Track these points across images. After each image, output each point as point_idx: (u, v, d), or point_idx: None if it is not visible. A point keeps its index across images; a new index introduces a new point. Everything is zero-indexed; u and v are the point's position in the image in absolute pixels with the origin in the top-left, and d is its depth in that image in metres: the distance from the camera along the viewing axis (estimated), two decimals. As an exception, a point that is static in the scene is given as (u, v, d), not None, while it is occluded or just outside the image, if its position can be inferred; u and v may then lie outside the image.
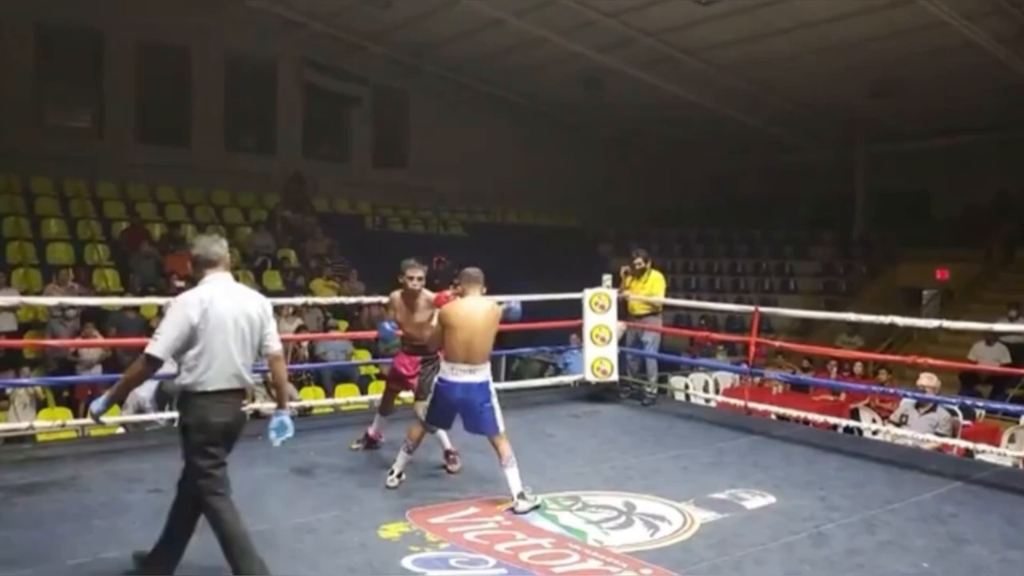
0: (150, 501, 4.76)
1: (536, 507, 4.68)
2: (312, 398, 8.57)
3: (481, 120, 18.32)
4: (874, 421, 8.32)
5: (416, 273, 5.64)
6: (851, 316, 8.09)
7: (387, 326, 5.79)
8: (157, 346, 3.51)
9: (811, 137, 18.77)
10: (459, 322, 4.87)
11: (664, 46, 14.60)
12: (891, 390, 8.82)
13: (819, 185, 20.04)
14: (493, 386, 4.95)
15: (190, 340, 3.53)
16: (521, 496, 4.68)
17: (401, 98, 18.31)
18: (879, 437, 7.46)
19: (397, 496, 4.89)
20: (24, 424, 6.57)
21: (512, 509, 4.65)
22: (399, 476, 5.06)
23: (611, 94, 16.60)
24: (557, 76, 16.32)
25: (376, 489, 5.02)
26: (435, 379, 5.10)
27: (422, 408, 5.25)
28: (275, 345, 3.78)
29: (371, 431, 5.93)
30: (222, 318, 3.56)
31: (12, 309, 9.41)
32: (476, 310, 4.93)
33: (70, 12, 14.02)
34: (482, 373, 4.90)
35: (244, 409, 3.79)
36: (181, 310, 3.55)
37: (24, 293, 10.06)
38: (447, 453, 5.47)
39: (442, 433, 5.36)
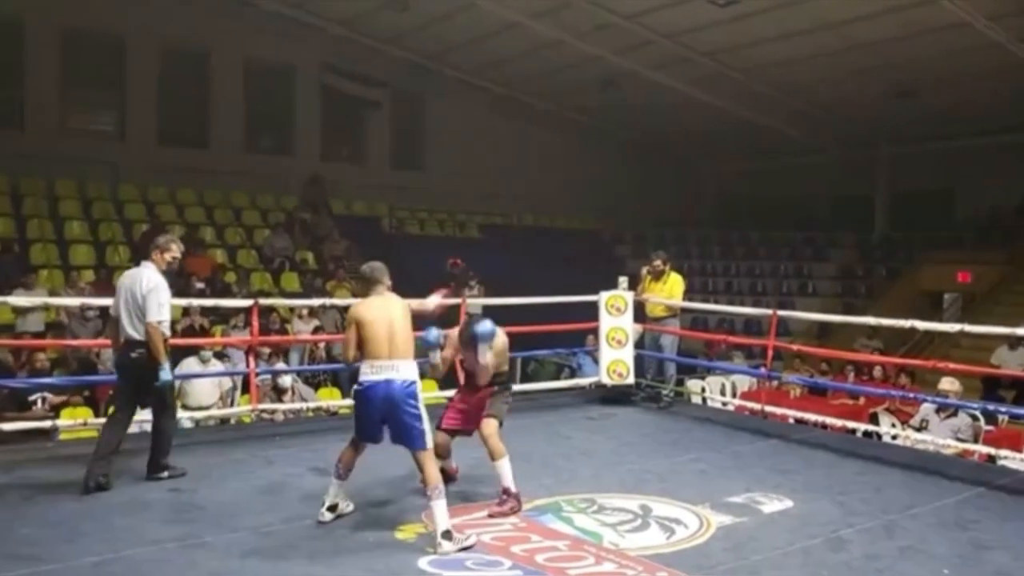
0: (169, 499, 4.82)
1: (467, 547, 4.07)
2: (329, 398, 8.61)
3: (498, 122, 18.35)
4: (893, 426, 8.24)
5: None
6: (871, 320, 8.03)
7: (433, 334, 4.87)
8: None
9: (830, 138, 18.65)
10: (375, 315, 4.41)
11: (682, 48, 14.56)
12: (911, 394, 8.73)
13: (838, 187, 19.93)
14: (420, 390, 4.39)
15: None
16: (446, 536, 4.07)
17: (418, 101, 18.39)
18: (898, 442, 7.40)
19: (414, 497, 4.89)
20: (47, 423, 6.65)
21: (434, 551, 4.05)
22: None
23: (629, 96, 16.57)
24: (574, 78, 16.32)
25: (393, 489, 5.04)
26: (507, 398, 4.96)
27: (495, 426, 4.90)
28: (147, 316, 5.07)
29: (448, 467, 5.13)
30: (119, 292, 5.19)
31: (41, 309, 9.57)
32: (389, 302, 4.49)
33: (94, 18, 14.25)
34: (407, 371, 4.36)
35: (135, 356, 5.11)
36: None
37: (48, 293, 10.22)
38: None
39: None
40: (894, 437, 7.51)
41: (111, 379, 8.71)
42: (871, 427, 7.73)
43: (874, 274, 17.98)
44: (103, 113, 15.66)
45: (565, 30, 14.22)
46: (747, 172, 21.15)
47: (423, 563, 3.98)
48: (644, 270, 8.33)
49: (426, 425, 4.34)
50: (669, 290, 8.09)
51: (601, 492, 5.11)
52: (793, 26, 12.99)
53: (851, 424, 7.39)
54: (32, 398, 7.48)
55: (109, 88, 15.38)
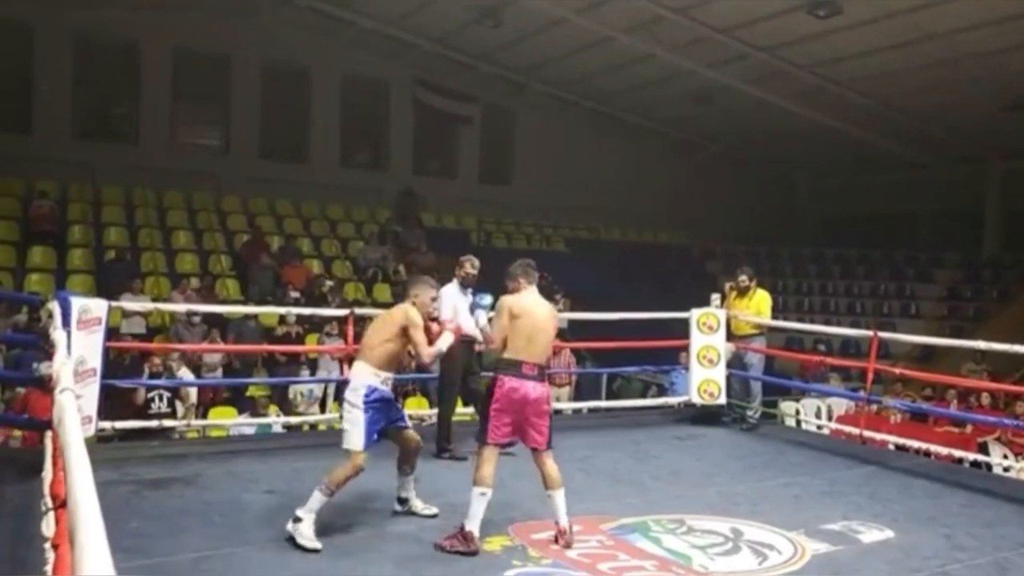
0: (265, 501, 4.97)
1: (304, 547, 4.12)
2: (417, 408, 8.72)
3: (587, 136, 18.35)
4: (1005, 457, 7.80)
5: None
6: (980, 344, 7.58)
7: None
8: None
9: (936, 153, 17.86)
10: None
11: (778, 61, 14.23)
12: (1024, 424, 8.24)
13: (943, 203, 19.04)
14: (357, 395, 4.41)
15: None
16: (297, 519, 4.21)
17: (508, 115, 18.58)
18: (1011, 474, 6.99)
19: (501, 509, 4.89)
20: (154, 423, 6.98)
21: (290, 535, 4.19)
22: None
23: (722, 110, 16.31)
24: (665, 92, 16.18)
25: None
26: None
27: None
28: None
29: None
30: None
31: (145, 314, 10.11)
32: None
33: (203, 38, 15.01)
34: (353, 370, 4.56)
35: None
36: None
37: (154, 299, 10.74)
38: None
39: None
40: (1006, 469, 7.09)
41: (212, 383, 9.24)
42: (980, 457, 7.33)
43: (983, 296, 17.07)
44: (209, 128, 16.48)
45: (658, 44, 14.11)
46: (846, 187, 20.44)
47: (509, 575, 3.98)
48: (728, 286, 8.15)
49: (347, 425, 4.45)
50: (756, 307, 7.88)
51: (690, 513, 5.00)
52: (897, 37, 12.52)
53: (958, 453, 7.03)
54: (150, 395, 7.93)
55: (215, 105, 16.17)
